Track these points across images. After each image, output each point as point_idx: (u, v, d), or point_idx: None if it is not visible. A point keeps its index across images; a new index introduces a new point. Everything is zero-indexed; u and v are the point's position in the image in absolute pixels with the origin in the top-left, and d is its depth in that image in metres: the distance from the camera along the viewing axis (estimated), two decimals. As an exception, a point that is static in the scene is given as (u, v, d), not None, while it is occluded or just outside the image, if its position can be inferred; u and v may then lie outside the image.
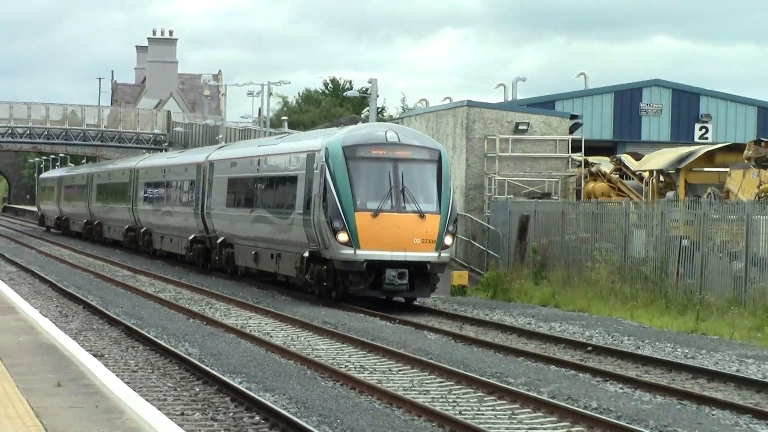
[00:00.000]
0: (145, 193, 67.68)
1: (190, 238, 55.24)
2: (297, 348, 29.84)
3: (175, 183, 60.54)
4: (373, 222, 37.59)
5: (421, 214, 37.99)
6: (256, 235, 46.39)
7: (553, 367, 27.56)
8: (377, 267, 37.35)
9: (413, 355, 28.54)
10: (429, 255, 37.87)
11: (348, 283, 37.96)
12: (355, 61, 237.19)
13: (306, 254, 39.80)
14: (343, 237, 37.34)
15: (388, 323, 35.67)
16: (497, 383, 24.57)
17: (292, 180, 41.93)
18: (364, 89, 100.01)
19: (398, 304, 40.09)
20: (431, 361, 27.50)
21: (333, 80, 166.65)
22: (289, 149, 45.03)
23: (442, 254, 38.30)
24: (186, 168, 58.36)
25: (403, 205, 38.00)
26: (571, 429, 20.59)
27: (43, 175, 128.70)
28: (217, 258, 51.89)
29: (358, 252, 37.25)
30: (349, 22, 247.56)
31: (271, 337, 32.11)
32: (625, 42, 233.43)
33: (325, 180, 37.98)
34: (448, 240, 38.40)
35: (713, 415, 21.89)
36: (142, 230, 67.29)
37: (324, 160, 38.32)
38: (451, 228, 38.54)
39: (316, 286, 39.81)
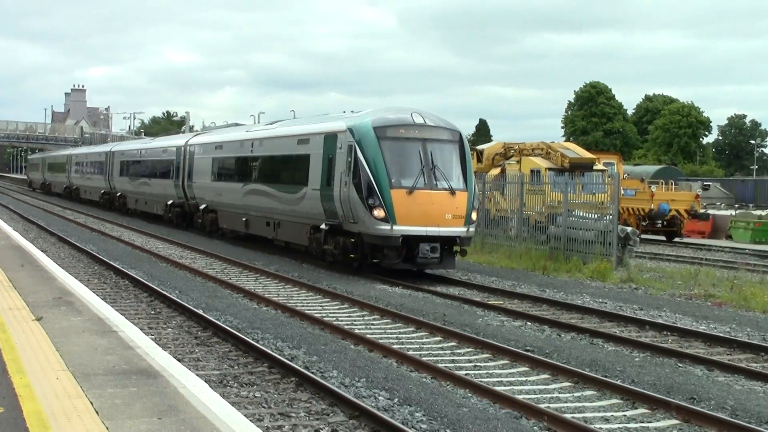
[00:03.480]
0: (121, 167, 50.78)
1: (169, 203, 40.43)
2: (148, 248, 29.06)
3: (152, 160, 44.43)
4: (408, 199, 22.26)
5: (452, 192, 22.59)
6: (248, 204, 30.36)
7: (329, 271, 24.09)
8: (410, 241, 22.57)
9: (231, 257, 25.87)
10: (459, 230, 22.80)
11: (381, 257, 22.79)
12: (179, 102, 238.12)
13: (323, 226, 24.31)
14: (379, 213, 22.09)
15: (237, 246, 32.61)
16: (301, 281, 21.40)
17: (302, 159, 26.01)
18: (182, 116, 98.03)
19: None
20: (246, 263, 24.59)
21: (167, 111, 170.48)
22: (296, 132, 27.65)
23: (470, 229, 23.28)
24: (164, 150, 42.62)
25: (435, 182, 22.58)
26: (341, 305, 18.01)
27: (31, 156, 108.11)
28: (200, 221, 35.95)
29: (394, 227, 22.09)
30: (176, 82, 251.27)
31: (134, 241, 31.26)
32: (313, 95, 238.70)
33: (356, 159, 22.61)
34: (474, 216, 23.30)
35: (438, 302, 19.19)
36: (117, 194, 51.13)
37: (352, 139, 22.86)
38: (476, 204, 23.69)
39: (340, 255, 23.80)
